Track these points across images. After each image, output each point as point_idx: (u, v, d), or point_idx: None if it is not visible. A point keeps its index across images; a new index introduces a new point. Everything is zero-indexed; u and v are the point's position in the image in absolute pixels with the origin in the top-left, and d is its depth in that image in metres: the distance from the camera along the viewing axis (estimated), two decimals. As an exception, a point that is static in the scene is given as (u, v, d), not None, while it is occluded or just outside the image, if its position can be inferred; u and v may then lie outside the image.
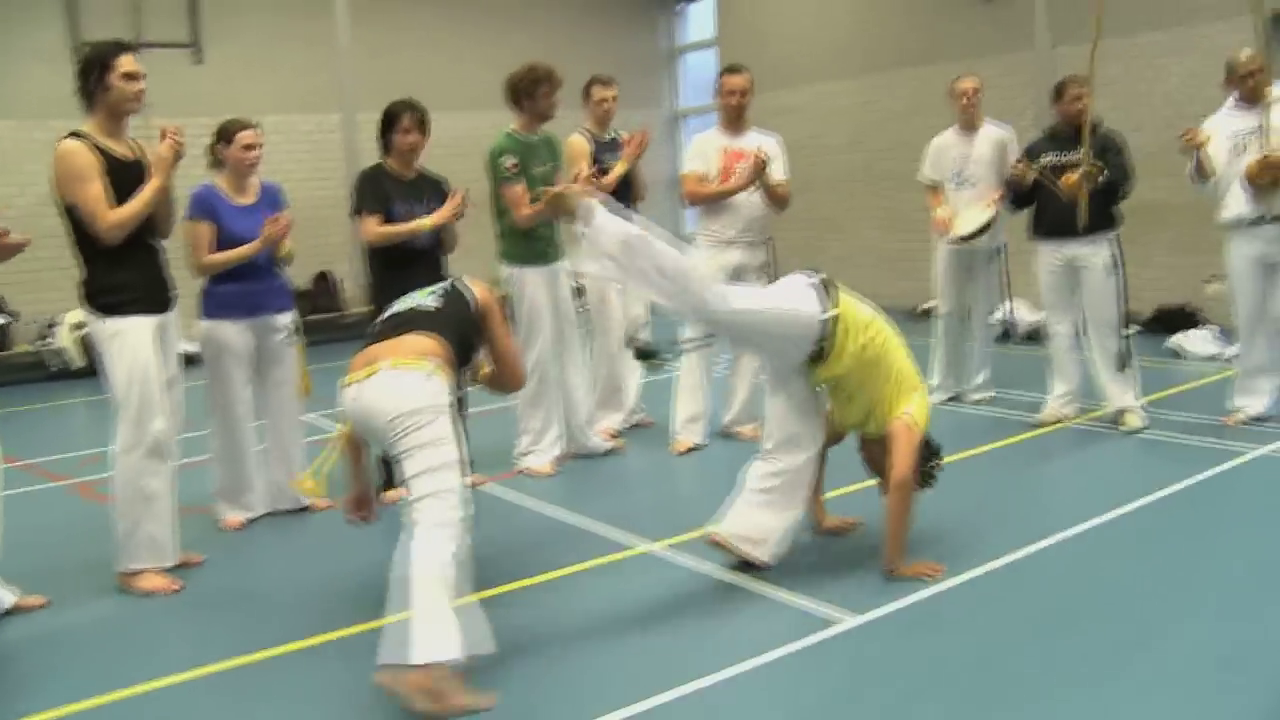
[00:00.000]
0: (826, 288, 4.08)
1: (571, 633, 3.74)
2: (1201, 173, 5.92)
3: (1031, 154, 6.25)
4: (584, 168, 5.78)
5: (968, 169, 6.73)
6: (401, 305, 3.85)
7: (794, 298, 4.07)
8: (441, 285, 3.96)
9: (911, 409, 4.08)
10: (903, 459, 4.01)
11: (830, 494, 4.60)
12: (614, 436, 6.33)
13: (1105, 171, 5.87)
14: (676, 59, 14.98)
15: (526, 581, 4.23)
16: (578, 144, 6.26)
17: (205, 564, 4.62)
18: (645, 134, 6.21)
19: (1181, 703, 3.07)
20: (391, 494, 5.46)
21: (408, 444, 3.31)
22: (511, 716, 3.18)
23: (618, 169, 6.06)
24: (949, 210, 6.70)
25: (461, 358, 3.71)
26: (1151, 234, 8.83)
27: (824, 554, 4.40)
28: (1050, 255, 6.20)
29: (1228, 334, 8.37)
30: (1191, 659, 3.32)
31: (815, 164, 11.63)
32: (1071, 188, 5.89)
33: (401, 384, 3.38)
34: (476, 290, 3.89)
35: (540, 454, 5.93)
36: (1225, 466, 5.28)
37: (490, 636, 3.28)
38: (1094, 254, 6.03)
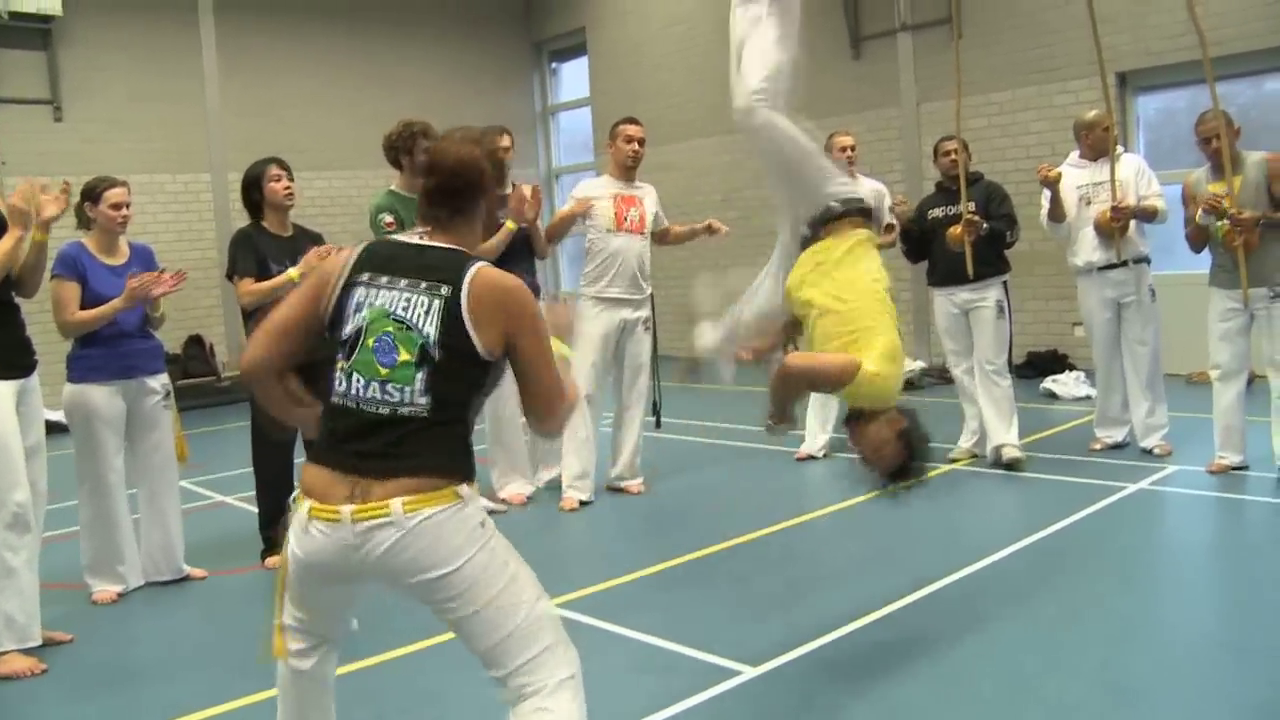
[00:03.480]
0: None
1: (465, 698, 3.63)
2: (1054, 215, 6.34)
3: (923, 208, 6.61)
4: None
5: None
6: (348, 388, 2.42)
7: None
8: (421, 298, 2.41)
9: (871, 364, 3.49)
10: (811, 357, 3.61)
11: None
12: (528, 500, 6.25)
13: (986, 224, 6.16)
14: (550, 118, 15.06)
15: (406, 649, 4.07)
16: None
17: (75, 642, 4.36)
18: (536, 190, 6.12)
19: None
20: (273, 559, 5.28)
21: (463, 610, 2.45)
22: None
23: (506, 228, 5.81)
24: None
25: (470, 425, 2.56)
26: (1019, 281, 9.06)
27: (718, 606, 4.38)
28: (945, 302, 6.50)
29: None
30: (1085, 696, 3.36)
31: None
32: (956, 239, 6.15)
33: (435, 533, 2.37)
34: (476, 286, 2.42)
35: None
36: (1105, 502, 5.44)
37: None
38: (984, 298, 6.34)
